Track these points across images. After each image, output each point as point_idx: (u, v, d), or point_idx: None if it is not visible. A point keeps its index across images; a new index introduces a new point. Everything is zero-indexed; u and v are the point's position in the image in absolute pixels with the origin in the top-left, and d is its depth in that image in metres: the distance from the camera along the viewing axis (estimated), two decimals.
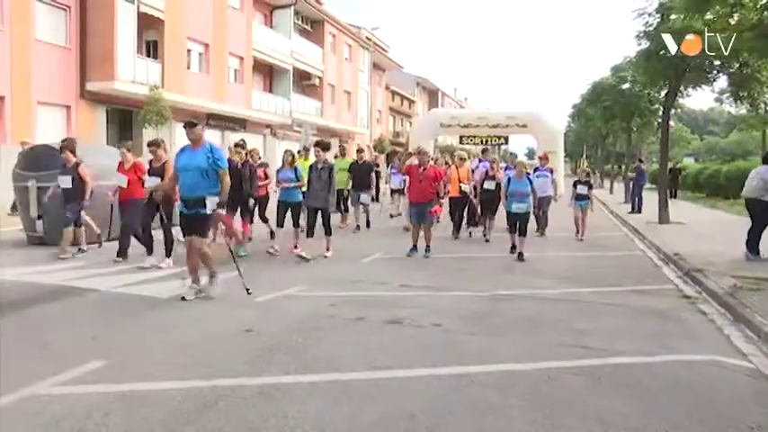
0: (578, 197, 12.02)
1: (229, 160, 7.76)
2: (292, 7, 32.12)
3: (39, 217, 9.71)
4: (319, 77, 35.84)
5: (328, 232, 9.09)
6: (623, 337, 5.08)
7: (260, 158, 10.73)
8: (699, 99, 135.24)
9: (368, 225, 12.84)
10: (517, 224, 9.35)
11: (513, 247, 9.49)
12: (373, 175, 12.77)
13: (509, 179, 9.57)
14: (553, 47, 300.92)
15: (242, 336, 4.85)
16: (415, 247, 9.43)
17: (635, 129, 29.17)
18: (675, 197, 24.43)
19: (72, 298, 6.09)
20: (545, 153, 12.98)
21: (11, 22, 17.80)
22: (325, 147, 9.17)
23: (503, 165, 13.42)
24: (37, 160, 9.99)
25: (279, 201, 9.40)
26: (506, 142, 29.71)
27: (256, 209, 9.93)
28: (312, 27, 36.06)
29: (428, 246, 9.41)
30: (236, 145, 9.32)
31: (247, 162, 9.19)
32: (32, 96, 18.41)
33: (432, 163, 10.01)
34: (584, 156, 63.69)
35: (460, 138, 30.16)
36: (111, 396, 3.52)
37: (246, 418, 3.28)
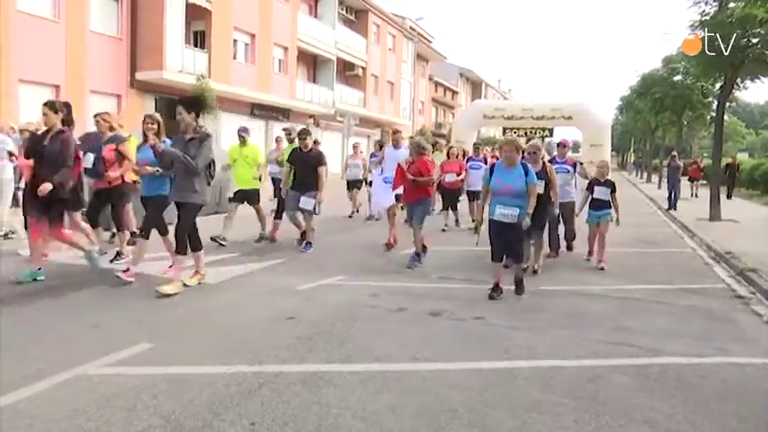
0: (595, 204, 8.22)
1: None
2: None
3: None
4: (363, 68, 35.89)
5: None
6: (672, 336, 4.93)
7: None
8: (755, 92, 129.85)
9: (306, 244, 8.60)
10: (504, 243, 6.11)
11: (497, 287, 6.03)
12: (323, 169, 8.42)
13: (492, 167, 6.36)
14: (601, 37, 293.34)
15: (284, 323, 4.91)
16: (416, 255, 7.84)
17: (686, 122, 28.27)
18: (731, 197, 22.11)
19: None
20: (564, 140, 9.39)
21: (67, 13, 18.39)
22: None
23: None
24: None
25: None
26: (551, 135, 29.15)
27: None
28: (356, 17, 36.09)
29: (417, 252, 7.80)
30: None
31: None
32: (85, 85, 19.02)
33: (429, 157, 8.17)
34: (632, 149, 62.06)
35: (503, 130, 29.77)
36: (158, 378, 3.62)
37: (289, 405, 3.32)
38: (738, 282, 7.38)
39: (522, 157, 6.49)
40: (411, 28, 45.23)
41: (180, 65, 21.34)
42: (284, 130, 10.83)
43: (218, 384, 3.56)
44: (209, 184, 6.16)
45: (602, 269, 7.80)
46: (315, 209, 8.45)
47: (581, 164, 9.19)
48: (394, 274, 7.17)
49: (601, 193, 8.24)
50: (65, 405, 3.22)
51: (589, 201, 8.35)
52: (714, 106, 20.18)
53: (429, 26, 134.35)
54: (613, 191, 8.22)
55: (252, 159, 9.31)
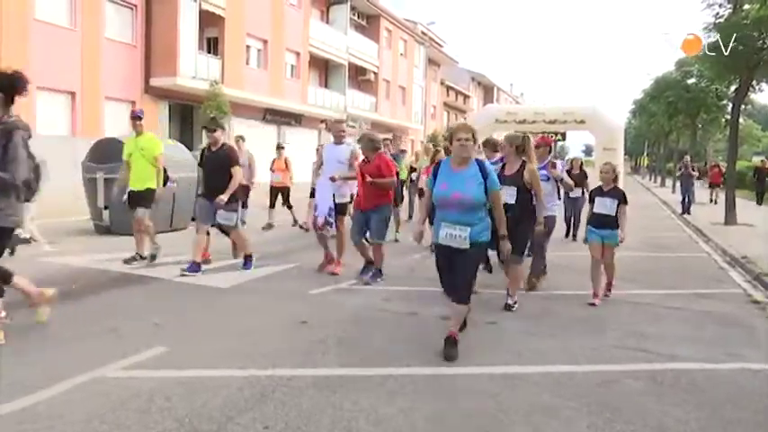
0: (597, 222, 6.28)
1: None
2: (348, 3, 32.35)
3: (105, 207, 10.18)
4: (374, 73, 35.98)
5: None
6: (686, 341, 4.90)
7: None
8: None
9: (245, 261, 7.31)
10: (451, 274, 4.44)
11: (451, 338, 4.34)
12: (237, 170, 6.94)
13: (436, 168, 4.59)
14: (613, 40, 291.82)
15: (297, 327, 4.95)
16: (367, 267, 6.96)
17: (700, 125, 28.04)
18: (762, 203, 20.99)
19: (137, 285, 6.36)
20: (543, 136, 7.39)
21: (82, 21, 18.65)
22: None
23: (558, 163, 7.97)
24: (104, 153, 10.46)
25: None
26: (563, 138, 29.03)
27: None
28: (368, 22, 36.23)
29: (378, 269, 6.90)
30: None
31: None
32: (100, 92, 19.25)
33: (387, 151, 7.33)
34: (645, 153, 61.63)
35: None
36: (173, 381, 3.66)
37: (303, 408, 3.34)
38: (755, 287, 7.32)
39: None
40: (422, 33, 45.30)
41: (193, 71, 21.54)
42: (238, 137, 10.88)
43: (231, 388, 3.59)
44: (22, 197, 4.29)
45: (606, 295, 6.37)
46: (237, 222, 7.14)
47: (553, 163, 7.02)
48: (405, 278, 7.18)
49: (604, 205, 6.22)
50: (81, 407, 3.26)
51: (588, 216, 6.50)
52: (729, 109, 19.97)
53: (440, 31, 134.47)
54: (622, 201, 6.20)
55: (148, 152, 7.49)
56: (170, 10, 20.78)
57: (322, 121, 30.60)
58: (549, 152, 7.07)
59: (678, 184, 18.75)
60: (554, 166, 6.92)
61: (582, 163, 12.46)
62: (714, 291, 7.02)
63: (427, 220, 5.03)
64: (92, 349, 4.22)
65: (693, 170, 19.10)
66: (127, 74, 20.27)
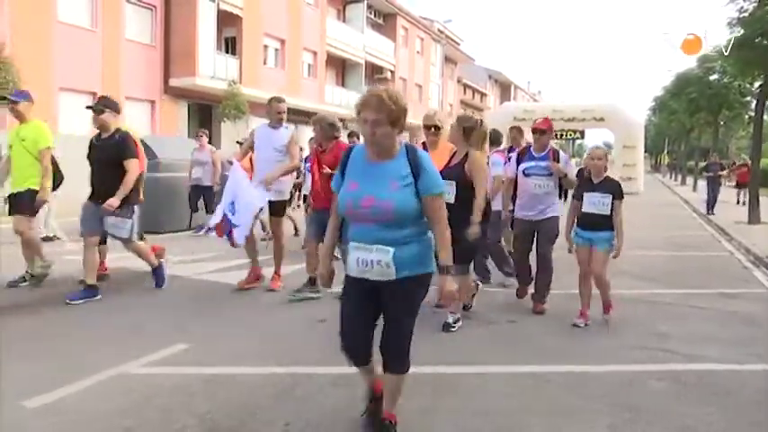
0: (585, 223, 5.22)
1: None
2: (365, 1, 32.36)
3: None
4: (391, 71, 35.97)
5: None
6: (709, 342, 4.82)
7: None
8: None
9: (156, 276, 6.14)
10: (365, 327, 2.94)
11: (386, 423, 3.00)
12: (132, 165, 5.54)
13: (345, 161, 2.94)
14: (633, 36, 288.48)
15: (316, 325, 4.96)
16: (311, 281, 5.91)
17: (722, 122, 27.61)
18: None
19: None
20: (545, 118, 5.98)
21: (103, 23, 18.90)
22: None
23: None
24: None
25: None
26: (582, 136, 28.83)
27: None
28: (384, 21, 36.21)
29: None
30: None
31: None
32: (121, 92, 19.46)
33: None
34: (666, 151, 60.87)
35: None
36: (194, 378, 3.70)
37: (323, 405, 3.36)
38: None
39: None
40: (439, 30, 45.16)
41: (212, 71, 21.70)
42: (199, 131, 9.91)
43: (252, 385, 3.62)
44: None
45: (605, 320, 5.30)
46: (132, 233, 5.66)
47: (555, 152, 5.67)
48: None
49: (593, 203, 5.09)
50: (106, 403, 3.31)
51: (574, 217, 5.32)
52: (753, 105, 19.63)
53: (457, 29, 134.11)
54: (617, 197, 5.11)
55: (31, 144, 5.83)
56: (189, 10, 20.97)
57: (340, 120, 30.62)
58: (547, 138, 5.75)
59: (705, 182, 17.87)
60: (556, 156, 5.57)
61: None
62: (738, 290, 6.90)
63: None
64: (114, 346, 4.27)
65: (723, 169, 18.28)
66: (146, 74, 20.49)
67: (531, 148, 5.78)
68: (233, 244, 5.86)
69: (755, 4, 12.25)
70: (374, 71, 34.76)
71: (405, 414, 3.27)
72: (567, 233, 5.47)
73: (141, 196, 5.98)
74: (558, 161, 5.57)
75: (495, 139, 7.62)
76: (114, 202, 5.38)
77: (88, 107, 5.83)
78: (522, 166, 5.71)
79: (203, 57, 21.38)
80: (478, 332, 4.95)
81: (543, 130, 5.72)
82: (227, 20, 22.70)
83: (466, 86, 52.26)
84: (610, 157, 5.52)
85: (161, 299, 5.81)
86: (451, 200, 4.54)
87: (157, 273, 6.15)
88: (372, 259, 2.72)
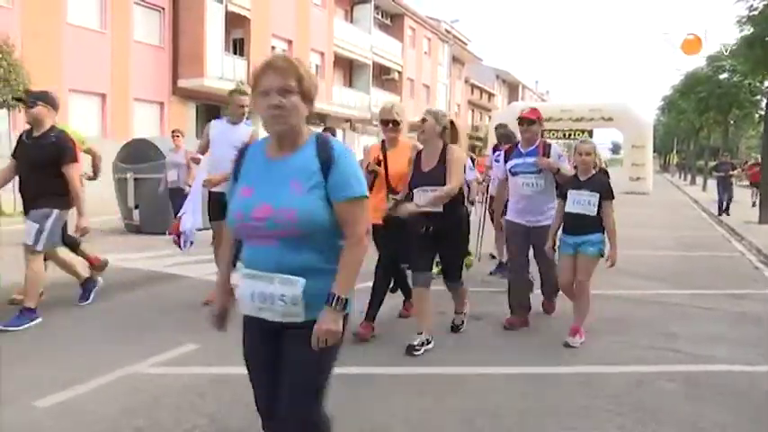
0: (570, 225, 4.66)
1: None
2: (372, 2, 32.38)
3: (135, 206, 10.38)
4: (398, 71, 35.96)
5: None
6: (720, 343, 4.79)
7: None
8: None
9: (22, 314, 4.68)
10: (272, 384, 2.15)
11: None
12: (73, 170, 4.80)
13: (242, 154, 2.17)
14: (641, 36, 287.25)
15: None
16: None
17: (732, 122, 27.41)
18: None
19: (168, 283, 6.46)
20: (533, 108, 5.29)
21: (112, 25, 19.01)
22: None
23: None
24: (134, 154, 10.66)
25: None
26: (591, 136, 28.68)
27: None
28: (392, 21, 36.22)
29: None
30: None
31: None
32: (130, 94, 19.60)
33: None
34: (675, 150, 60.55)
35: (542, 132, 29.35)
36: (203, 378, 3.71)
37: (332, 406, 3.35)
38: None
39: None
40: (446, 31, 45.12)
41: (220, 72, 21.78)
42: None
43: None
44: None
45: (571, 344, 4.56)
46: (38, 241, 4.70)
47: (546, 144, 5.05)
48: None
49: (579, 201, 4.49)
50: (115, 403, 3.33)
51: (560, 222, 4.71)
52: (763, 104, 19.49)
53: (465, 29, 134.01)
54: (605, 197, 4.47)
55: None
56: (197, 12, 21.05)
57: (347, 121, 30.69)
58: (534, 133, 5.02)
59: (715, 182, 17.42)
60: (546, 151, 4.88)
61: (606, 163, 8.96)
62: (748, 291, 6.85)
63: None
64: (125, 346, 4.29)
65: (734, 168, 17.83)
66: (155, 75, 20.60)
67: (519, 144, 5.17)
68: (178, 244, 5.60)
69: (766, 3, 12.16)
70: (381, 72, 34.77)
71: (415, 414, 3.27)
72: (552, 231, 4.78)
73: (74, 202, 4.89)
74: (549, 156, 4.89)
75: (507, 137, 6.89)
76: (83, 222, 4.89)
77: (16, 99, 5.13)
78: (510, 164, 5.07)
79: (211, 58, 21.46)
80: (490, 333, 4.94)
81: (531, 121, 4.97)
82: (234, 21, 22.77)
83: (473, 87, 52.17)
84: (599, 152, 4.75)
85: (170, 299, 5.83)
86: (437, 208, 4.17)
87: (85, 287, 5.45)
88: (273, 293, 1.95)
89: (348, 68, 32.43)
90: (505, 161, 5.14)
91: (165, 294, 6.03)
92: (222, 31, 22.07)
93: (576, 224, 4.55)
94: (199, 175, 5.54)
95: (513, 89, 63.29)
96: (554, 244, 4.83)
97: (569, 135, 26.86)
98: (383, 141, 4.82)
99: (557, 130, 27.42)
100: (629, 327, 5.20)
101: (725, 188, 16.53)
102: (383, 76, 35.08)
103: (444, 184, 4.17)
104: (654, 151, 37.33)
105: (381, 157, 4.68)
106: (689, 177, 40.39)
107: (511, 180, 5.11)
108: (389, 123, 4.66)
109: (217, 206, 4.92)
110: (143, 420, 3.13)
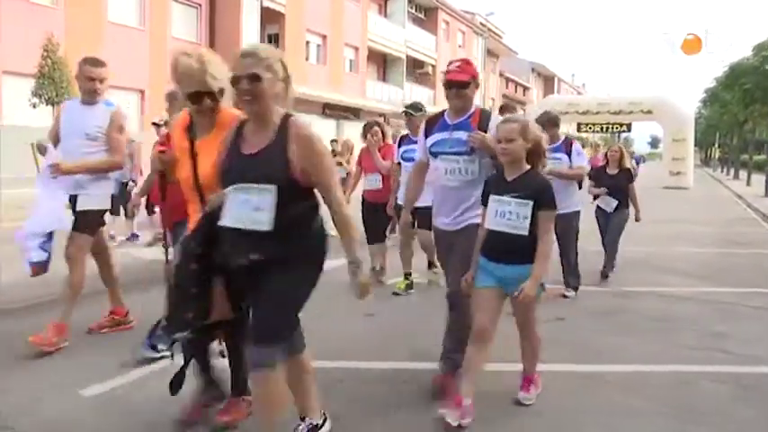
0: (490, 247, 3.11)
1: None
2: None
3: None
4: (432, 65, 35.78)
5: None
6: (767, 344, 4.62)
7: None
8: None
9: None
10: None
11: None
12: None
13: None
14: (682, 26, 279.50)
15: (363, 320, 4.95)
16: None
17: None
18: None
19: None
20: (465, 61, 3.54)
21: (151, 21, 19.37)
22: None
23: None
24: None
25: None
26: (629, 130, 28.08)
27: None
28: (426, 15, 36.04)
29: None
30: None
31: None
32: (167, 90, 19.94)
33: None
34: (717, 145, 58.81)
35: (578, 125, 28.88)
36: None
37: (372, 401, 3.36)
38: None
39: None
40: (481, 24, 44.66)
41: None
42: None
43: None
44: None
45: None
46: None
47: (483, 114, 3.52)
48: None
49: (502, 213, 3.04)
50: (154, 392, 3.37)
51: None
52: None
53: (500, 21, 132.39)
54: (543, 206, 3.00)
55: None
56: (233, 8, 21.31)
57: (381, 115, 30.69)
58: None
59: (766, 178, 16.59)
60: (484, 121, 3.40)
61: (622, 155, 6.98)
62: None
63: None
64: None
65: None
66: None
67: (445, 113, 3.57)
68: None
69: None
70: (415, 66, 34.65)
71: None
72: (474, 261, 3.22)
73: None
74: (487, 129, 3.34)
75: (555, 122, 5.90)
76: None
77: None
78: (430, 140, 3.56)
79: None
80: None
81: (463, 84, 3.42)
82: (270, 17, 22.97)
83: (508, 80, 51.57)
84: (543, 135, 3.19)
85: None
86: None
87: None
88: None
89: (382, 63, 32.41)
90: (426, 134, 3.62)
91: None
92: (258, 27, 22.30)
93: (499, 248, 3.07)
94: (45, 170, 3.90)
95: (548, 82, 62.33)
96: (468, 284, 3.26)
97: (607, 129, 26.33)
98: (190, 117, 3.07)
99: (594, 124, 26.89)
100: (671, 325, 5.05)
101: None
102: (417, 70, 34.95)
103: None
104: (695, 145, 36.29)
105: (187, 145, 2.95)
106: (731, 172, 39.16)
107: (432, 164, 3.59)
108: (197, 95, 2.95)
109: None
110: (176, 409, 3.16)
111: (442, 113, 3.61)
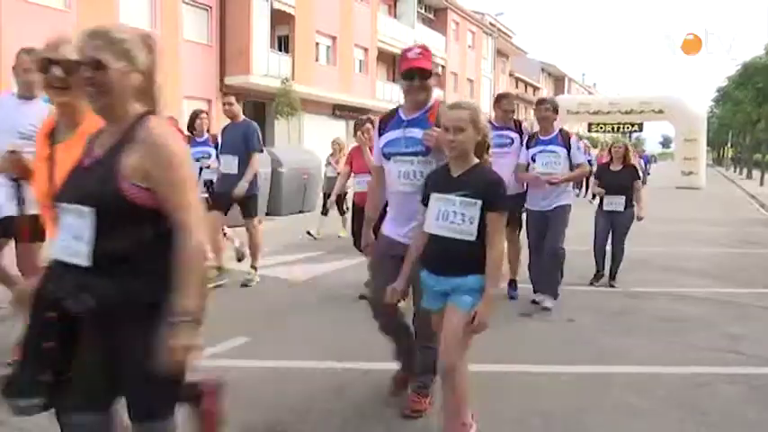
0: (433, 257, 2.69)
1: None
2: None
3: None
4: (442, 66, 35.70)
5: None
6: None
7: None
8: None
9: None
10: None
11: None
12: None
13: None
14: (694, 25, 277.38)
15: (373, 321, 4.96)
16: None
17: None
18: None
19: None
20: (422, 47, 3.05)
21: (162, 24, 19.51)
22: None
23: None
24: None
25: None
26: (640, 129, 27.88)
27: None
28: (435, 15, 36.02)
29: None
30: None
31: None
32: (180, 91, 20.07)
33: None
34: (730, 144, 58.30)
35: (589, 125, 28.73)
36: (255, 371, 3.78)
37: (381, 402, 3.37)
38: None
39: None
40: (491, 24, 44.56)
41: (265, 69, 22.09)
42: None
43: (311, 379, 3.67)
44: None
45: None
46: None
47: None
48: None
49: (444, 214, 2.59)
50: None
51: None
52: None
53: (509, 21, 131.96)
54: (493, 206, 2.55)
55: None
56: (243, 10, 21.40)
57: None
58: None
59: None
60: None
61: (627, 150, 6.66)
62: None
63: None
64: None
65: None
66: (203, 73, 21.06)
67: (399, 110, 3.19)
68: None
69: None
70: None
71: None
72: (407, 264, 2.87)
73: None
74: (435, 120, 2.90)
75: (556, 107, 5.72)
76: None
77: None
78: (383, 139, 3.17)
79: (257, 55, 21.79)
80: (536, 330, 4.87)
81: (425, 72, 3.02)
82: (279, 18, 23.04)
83: (518, 80, 51.41)
84: (487, 125, 2.74)
85: (221, 292, 5.95)
86: None
87: None
88: None
89: (392, 63, 32.39)
90: (380, 133, 3.23)
91: (217, 288, 6.15)
92: (268, 29, 22.38)
93: (442, 257, 2.65)
94: None
95: (558, 82, 62.06)
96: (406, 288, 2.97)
97: (618, 128, 26.16)
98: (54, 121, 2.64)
99: (605, 124, 26.73)
100: (683, 326, 5.02)
101: None
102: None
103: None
104: (707, 144, 35.99)
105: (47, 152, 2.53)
106: (744, 171, 38.82)
107: (385, 167, 3.18)
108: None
109: None
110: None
111: (396, 110, 3.21)
